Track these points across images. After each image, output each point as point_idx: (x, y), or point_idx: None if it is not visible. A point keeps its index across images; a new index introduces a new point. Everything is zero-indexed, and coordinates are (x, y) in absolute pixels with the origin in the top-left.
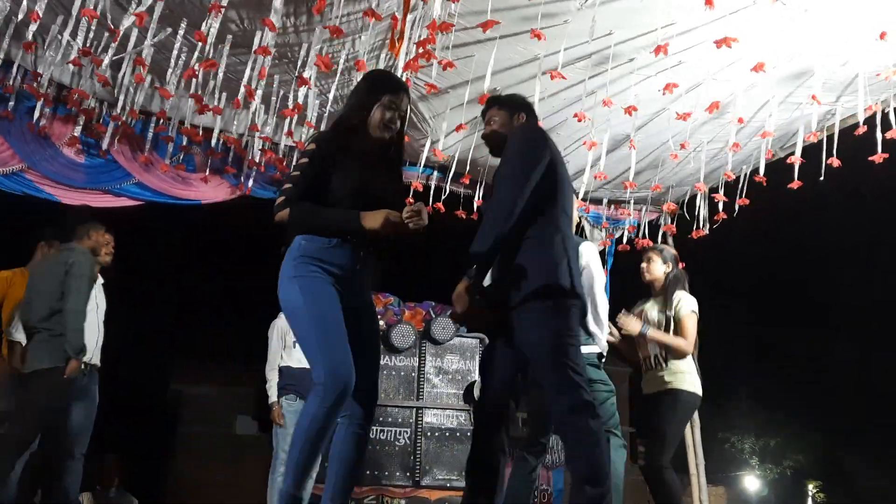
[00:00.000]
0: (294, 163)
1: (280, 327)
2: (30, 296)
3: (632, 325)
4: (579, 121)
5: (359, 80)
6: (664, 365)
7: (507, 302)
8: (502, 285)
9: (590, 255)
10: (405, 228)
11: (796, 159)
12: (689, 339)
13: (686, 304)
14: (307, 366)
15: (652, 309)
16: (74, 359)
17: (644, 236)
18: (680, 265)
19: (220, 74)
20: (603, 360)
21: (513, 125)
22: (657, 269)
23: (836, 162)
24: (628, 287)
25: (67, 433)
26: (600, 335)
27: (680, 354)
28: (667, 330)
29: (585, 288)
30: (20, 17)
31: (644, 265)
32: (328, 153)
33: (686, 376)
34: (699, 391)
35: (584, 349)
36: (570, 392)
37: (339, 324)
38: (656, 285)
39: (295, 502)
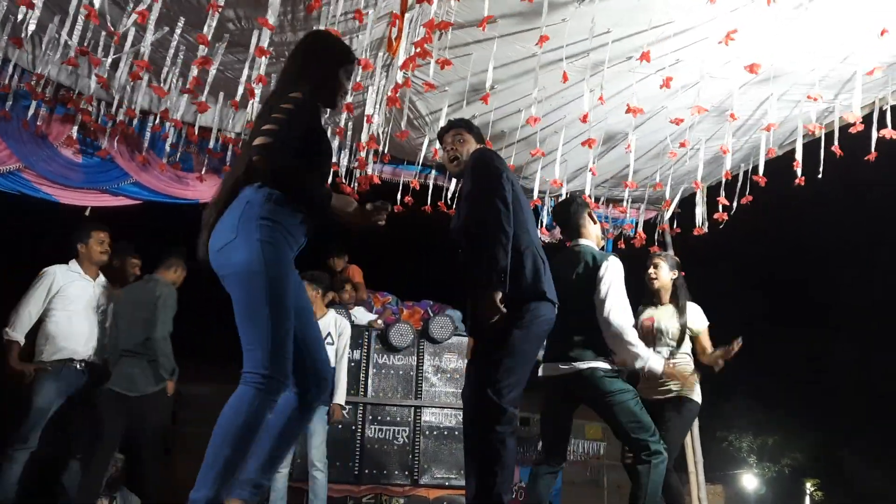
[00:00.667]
0: (271, 106)
1: None
2: (123, 323)
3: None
4: (583, 122)
5: (310, 41)
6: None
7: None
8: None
9: (609, 270)
10: (369, 222)
11: (798, 160)
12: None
13: (702, 319)
14: None
15: (664, 319)
16: (170, 379)
17: (637, 234)
18: (681, 273)
19: (213, 72)
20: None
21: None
22: (665, 275)
23: (838, 151)
24: (628, 285)
25: (72, 434)
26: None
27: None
28: (682, 337)
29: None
30: (20, 17)
31: (652, 271)
32: (310, 109)
33: (693, 387)
34: (700, 399)
35: (596, 363)
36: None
37: (291, 313)
38: (663, 293)
39: None
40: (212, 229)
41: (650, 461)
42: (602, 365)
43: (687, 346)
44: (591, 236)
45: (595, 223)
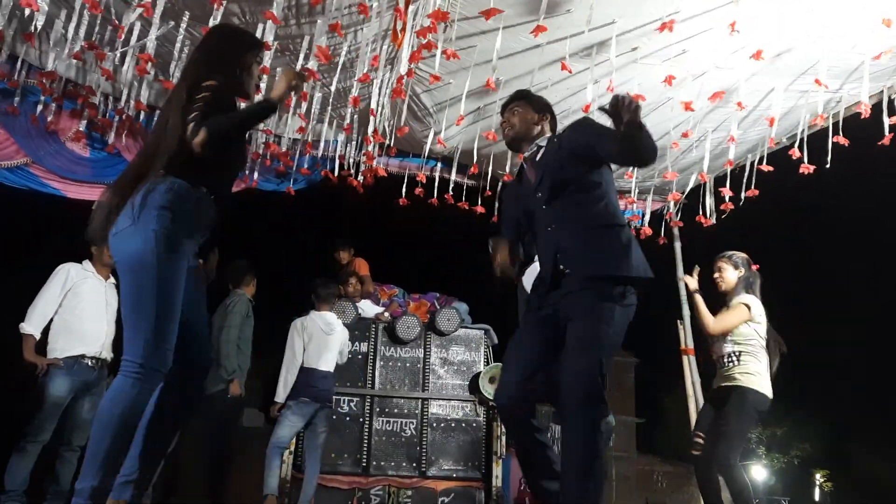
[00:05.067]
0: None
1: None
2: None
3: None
4: (585, 112)
5: (215, 34)
6: (737, 362)
7: (573, 281)
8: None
9: None
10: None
11: (798, 149)
12: (719, 322)
13: (739, 297)
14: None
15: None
16: (229, 380)
17: (644, 224)
18: (753, 267)
19: None
20: None
21: (534, 121)
22: (730, 276)
23: (843, 141)
24: None
25: (70, 424)
26: None
27: (703, 327)
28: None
29: None
30: (27, 12)
31: (717, 276)
32: (226, 100)
33: (754, 377)
34: (768, 393)
35: None
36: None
37: (179, 305)
38: (730, 294)
39: (106, 495)
40: (111, 211)
41: None
42: None
43: (748, 340)
44: None
45: None
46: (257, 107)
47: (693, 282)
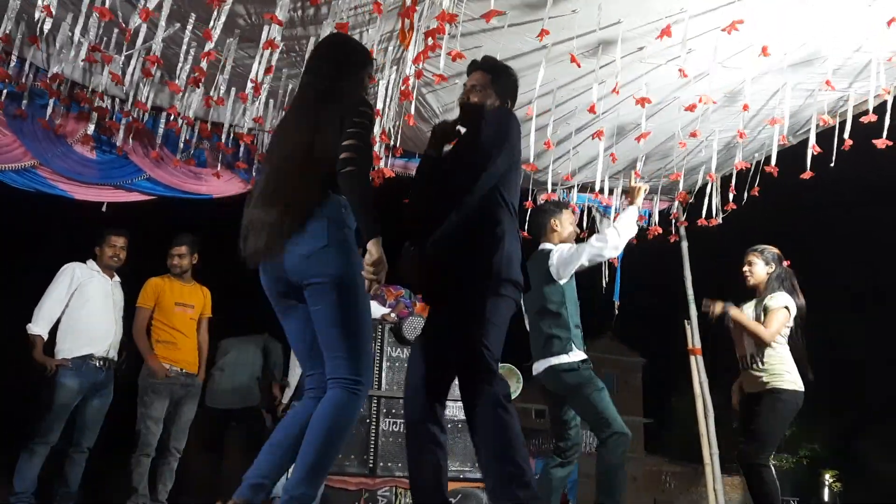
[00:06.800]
0: (351, 109)
1: None
2: None
3: (716, 307)
4: (591, 111)
5: (338, 48)
6: (760, 364)
7: (445, 285)
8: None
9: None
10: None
11: (810, 149)
12: (770, 329)
13: (778, 299)
14: None
15: (749, 308)
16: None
17: (655, 223)
18: (785, 263)
19: (228, 68)
20: (589, 365)
21: (494, 106)
22: (759, 271)
23: (848, 143)
24: (638, 277)
25: (78, 425)
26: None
27: (759, 342)
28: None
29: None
30: (37, 15)
31: (746, 269)
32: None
33: (785, 376)
34: (800, 388)
35: (568, 358)
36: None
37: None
38: (760, 288)
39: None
40: (283, 232)
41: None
42: (563, 360)
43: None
44: (555, 240)
45: (560, 227)
46: (371, 223)
47: (718, 306)
